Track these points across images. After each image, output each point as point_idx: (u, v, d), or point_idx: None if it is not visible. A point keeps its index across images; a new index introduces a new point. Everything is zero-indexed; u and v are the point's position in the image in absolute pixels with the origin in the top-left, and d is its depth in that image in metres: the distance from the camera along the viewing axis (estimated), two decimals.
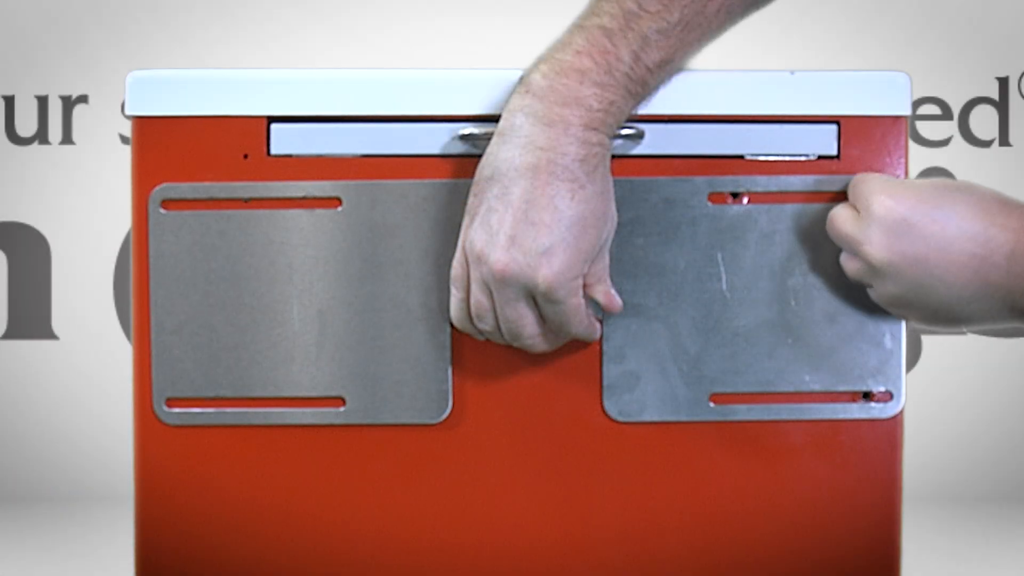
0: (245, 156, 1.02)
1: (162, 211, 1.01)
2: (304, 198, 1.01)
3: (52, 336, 2.27)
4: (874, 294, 0.97)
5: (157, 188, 1.01)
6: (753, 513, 1.02)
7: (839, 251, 0.99)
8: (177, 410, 1.02)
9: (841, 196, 1.00)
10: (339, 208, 1.01)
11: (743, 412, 1.01)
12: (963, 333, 0.95)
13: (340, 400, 1.02)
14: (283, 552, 1.03)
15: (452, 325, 1.00)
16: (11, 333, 2.26)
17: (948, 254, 0.92)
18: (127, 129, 1.03)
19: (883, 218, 0.94)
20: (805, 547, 1.02)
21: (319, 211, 1.01)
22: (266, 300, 1.01)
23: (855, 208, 0.97)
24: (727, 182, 1.01)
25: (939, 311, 0.94)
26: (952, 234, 0.92)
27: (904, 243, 0.93)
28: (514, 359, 1.01)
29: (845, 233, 0.96)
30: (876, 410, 1.01)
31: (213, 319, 1.01)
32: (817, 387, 1.01)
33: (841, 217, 0.97)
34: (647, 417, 1.01)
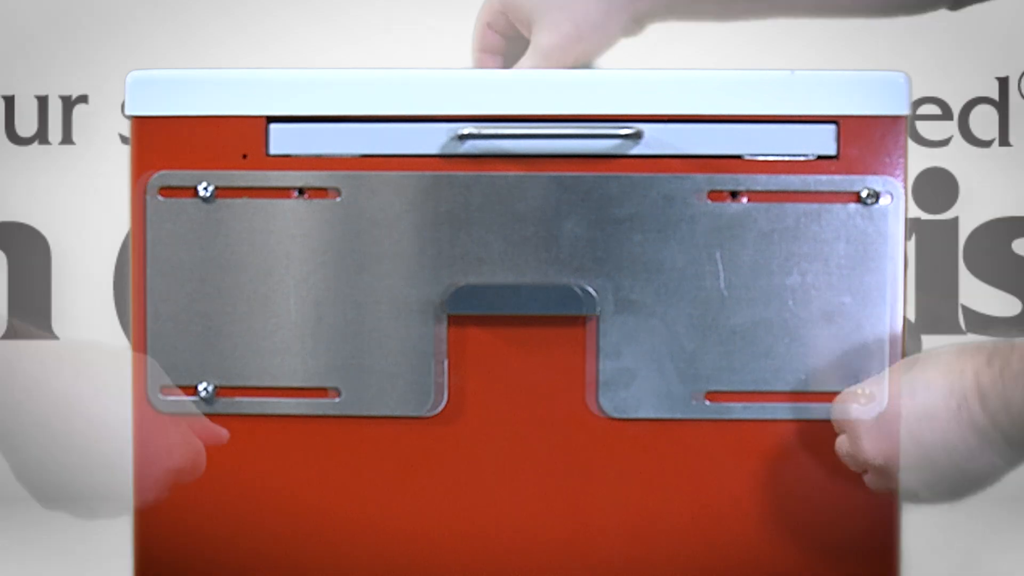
0: (244, 156, 1.02)
1: (160, 198, 1.01)
2: (302, 189, 1.01)
3: (52, 336, 2.27)
4: (903, 494, 0.98)
5: (155, 175, 1.01)
6: (748, 512, 1.02)
7: (838, 251, 1.00)
8: (171, 398, 1.02)
9: (840, 196, 1.00)
10: (337, 199, 1.01)
11: (739, 411, 1.01)
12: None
13: (334, 391, 1.02)
14: (275, 541, 1.03)
15: (450, 318, 1.01)
16: (11, 333, 2.26)
17: (933, 420, 0.92)
18: (127, 129, 1.03)
19: (863, 421, 0.95)
20: (803, 547, 1.02)
21: (317, 201, 1.01)
22: (262, 290, 1.01)
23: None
24: (726, 180, 1.01)
25: (956, 479, 0.94)
26: (925, 399, 0.93)
27: (891, 429, 0.94)
28: (510, 354, 1.01)
29: (846, 453, 0.98)
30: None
31: (209, 307, 1.01)
32: (814, 387, 1.01)
33: (840, 442, 0.98)
34: (642, 414, 1.01)
